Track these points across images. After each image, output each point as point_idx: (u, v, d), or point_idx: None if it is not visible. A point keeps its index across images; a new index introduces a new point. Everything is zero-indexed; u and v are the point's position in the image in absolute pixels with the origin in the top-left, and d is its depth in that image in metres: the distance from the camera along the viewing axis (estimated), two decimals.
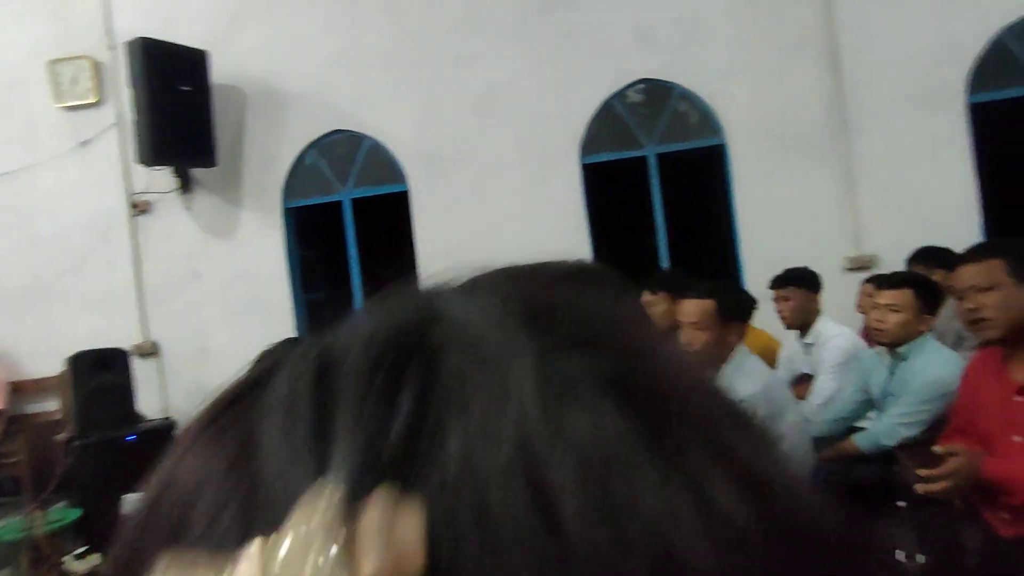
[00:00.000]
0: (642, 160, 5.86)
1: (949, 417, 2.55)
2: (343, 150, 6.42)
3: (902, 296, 2.89)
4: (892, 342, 2.93)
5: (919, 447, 2.39)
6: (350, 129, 6.33)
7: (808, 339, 3.87)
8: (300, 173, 6.47)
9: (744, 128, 5.63)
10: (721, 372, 2.69)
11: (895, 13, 5.42)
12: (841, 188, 5.45)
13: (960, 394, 2.45)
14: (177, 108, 5.74)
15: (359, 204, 6.40)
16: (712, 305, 2.69)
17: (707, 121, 5.76)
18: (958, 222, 5.25)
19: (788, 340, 4.16)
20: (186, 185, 6.37)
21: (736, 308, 2.76)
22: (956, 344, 3.78)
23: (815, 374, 3.76)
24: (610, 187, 6.15)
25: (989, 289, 2.14)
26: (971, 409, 2.33)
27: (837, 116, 5.47)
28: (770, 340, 4.27)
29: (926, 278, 3.11)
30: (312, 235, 6.75)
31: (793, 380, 3.94)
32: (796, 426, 2.60)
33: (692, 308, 2.72)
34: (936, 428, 2.67)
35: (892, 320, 2.88)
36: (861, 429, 3.19)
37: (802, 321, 3.91)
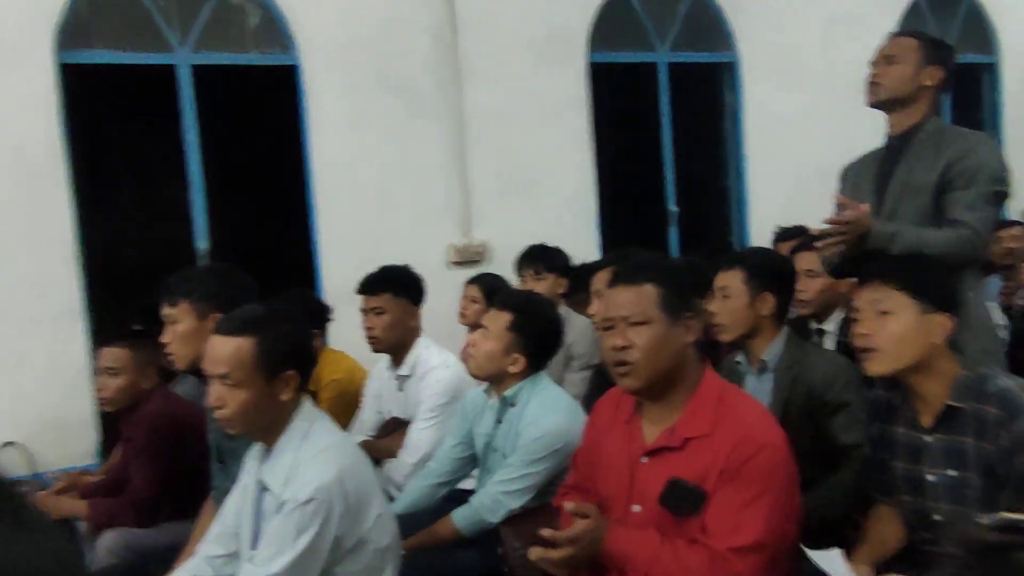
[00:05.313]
0: (169, 69, 3.99)
1: (568, 468, 2.33)
2: None
3: (499, 320, 2.54)
4: (482, 375, 2.60)
5: (527, 518, 2.25)
6: None
7: (403, 370, 3.20)
8: None
9: (327, 51, 4.13)
10: (272, 453, 1.99)
11: None
12: (453, 154, 4.24)
13: (583, 441, 2.20)
14: None
15: None
16: (250, 348, 1.92)
17: (274, 28, 3.97)
18: (576, 205, 4.50)
19: (376, 366, 3.34)
20: None
21: (290, 351, 2.00)
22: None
23: (409, 419, 3.14)
24: (105, 98, 4.09)
25: (640, 324, 1.91)
26: (593, 464, 2.10)
27: (449, 59, 4.22)
28: (355, 369, 3.58)
29: (534, 302, 2.71)
30: None
31: (381, 428, 3.26)
32: (383, 522, 2.09)
33: (221, 353, 1.94)
34: (549, 492, 2.43)
35: (483, 348, 2.54)
36: (464, 492, 2.75)
37: (397, 343, 3.15)
